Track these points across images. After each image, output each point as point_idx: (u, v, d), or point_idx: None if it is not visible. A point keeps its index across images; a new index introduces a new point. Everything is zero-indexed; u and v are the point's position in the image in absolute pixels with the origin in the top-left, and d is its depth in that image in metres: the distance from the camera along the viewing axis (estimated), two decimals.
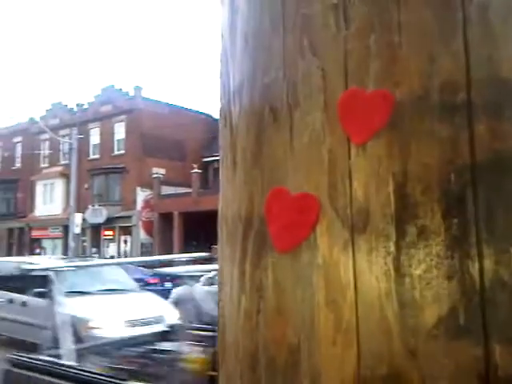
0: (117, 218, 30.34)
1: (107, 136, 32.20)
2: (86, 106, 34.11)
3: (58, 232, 33.82)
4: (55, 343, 9.10)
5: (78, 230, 26.65)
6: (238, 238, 0.81)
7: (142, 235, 30.12)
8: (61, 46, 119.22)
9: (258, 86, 0.81)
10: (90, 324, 8.39)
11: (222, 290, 0.86)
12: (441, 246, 0.63)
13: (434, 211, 0.64)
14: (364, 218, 0.67)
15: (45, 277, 9.72)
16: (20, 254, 34.67)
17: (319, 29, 0.74)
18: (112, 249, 31.04)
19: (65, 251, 29.28)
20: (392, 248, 0.65)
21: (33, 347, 9.20)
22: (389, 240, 0.66)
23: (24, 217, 35.79)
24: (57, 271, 10.03)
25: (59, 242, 33.84)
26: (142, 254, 27.75)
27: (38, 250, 35.11)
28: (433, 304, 0.63)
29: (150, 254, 27.39)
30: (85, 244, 32.00)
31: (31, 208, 35.75)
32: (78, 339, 8.39)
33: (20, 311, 9.68)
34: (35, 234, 35.74)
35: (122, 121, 31.66)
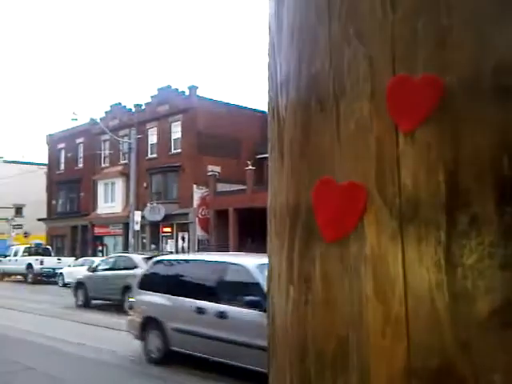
0: (174, 215, 31.03)
1: (164, 135, 32.95)
2: (143, 107, 34.99)
3: (119, 229, 34.96)
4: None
5: (137, 227, 27.47)
6: (285, 228, 0.81)
7: (199, 232, 30.67)
8: (117, 48, 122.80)
9: (305, 77, 0.80)
10: None
11: (271, 281, 0.87)
12: (494, 234, 0.61)
13: (486, 199, 0.62)
14: (413, 206, 0.66)
15: (251, 281, 7.28)
16: (84, 250, 36.07)
17: (365, 15, 0.72)
18: (170, 245, 31.78)
19: (125, 248, 30.21)
20: (442, 237, 0.63)
21: (235, 372, 7.07)
22: (439, 229, 0.64)
23: (87, 215, 37.21)
24: (262, 271, 7.27)
25: (120, 239, 34.96)
26: (199, 250, 28.23)
27: (100, 247, 36.41)
28: (486, 295, 0.61)
29: (207, 250, 27.79)
30: (144, 241, 32.92)
31: (93, 206, 37.10)
32: None
33: (216, 324, 7.60)
34: (97, 231, 37.08)
35: (178, 120, 32.31)
